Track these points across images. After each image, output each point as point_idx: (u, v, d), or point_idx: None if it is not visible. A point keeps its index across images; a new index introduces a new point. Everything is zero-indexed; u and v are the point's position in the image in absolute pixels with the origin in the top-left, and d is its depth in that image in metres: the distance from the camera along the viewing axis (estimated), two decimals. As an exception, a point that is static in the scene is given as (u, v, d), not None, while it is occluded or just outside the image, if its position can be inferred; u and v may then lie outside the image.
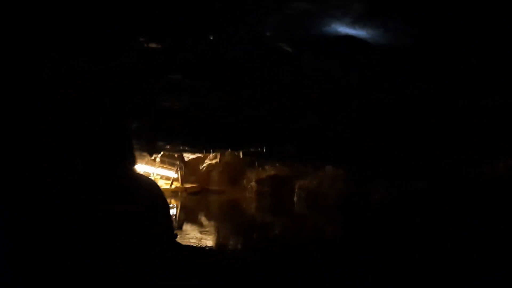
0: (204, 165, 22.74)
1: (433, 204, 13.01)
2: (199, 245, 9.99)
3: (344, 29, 4.37)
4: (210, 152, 20.75)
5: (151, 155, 17.73)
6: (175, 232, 9.17)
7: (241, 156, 18.02)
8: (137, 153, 19.35)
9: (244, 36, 4.67)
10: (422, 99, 6.41)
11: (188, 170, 22.37)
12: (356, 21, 4.16)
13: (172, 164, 22.09)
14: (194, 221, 14.13)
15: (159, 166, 22.10)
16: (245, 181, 20.69)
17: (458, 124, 9.28)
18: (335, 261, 8.37)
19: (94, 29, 4.72)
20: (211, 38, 4.76)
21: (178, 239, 9.80)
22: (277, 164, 18.79)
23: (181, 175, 21.88)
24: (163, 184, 21.50)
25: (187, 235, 11.23)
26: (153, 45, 5.03)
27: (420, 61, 4.85)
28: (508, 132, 9.40)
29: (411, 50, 4.59)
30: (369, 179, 15.08)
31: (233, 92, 7.89)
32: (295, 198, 17.51)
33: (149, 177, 14.87)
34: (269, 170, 19.41)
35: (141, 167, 21.44)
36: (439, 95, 6.36)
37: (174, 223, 12.95)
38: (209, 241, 10.67)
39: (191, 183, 22.09)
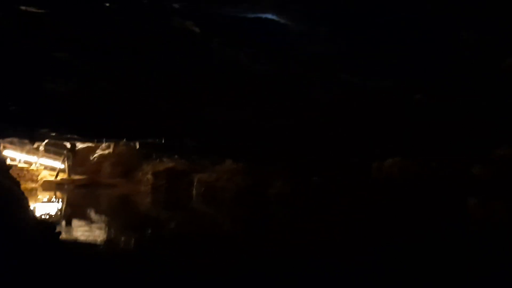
0: (96, 155, 21.24)
1: (327, 197, 13.45)
2: (87, 242, 9.30)
3: (264, 12, 3.94)
4: (102, 142, 19.55)
5: (32, 143, 16.11)
6: (57, 229, 8.29)
7: (137, 147, 17.11)
8: (15, 140, 17.57)
9: (148, 6, 4.01)
10: (329, 94, 6.29)
11: (77, 161, 20.76)
12: (278, 4, 3.74)
13: (58, 154, 20.36)
14: (83, 216, 13.04)
15: (43, 156, 20.27)
16: (140, 174, 19.70)
17: (350, 121, 9.49)
18: (232, 255, 8.20)
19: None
20: (107, 5, 4.01)
21: (64, 236, 9.19)
22: (175, 157, 18.14)
23: (68, 166, 20.21)
24: (47, 175, 19.83)
25: (74, 232, 10.45)
26: (32, 9, 4.11)
27: (335, 50, 4.63)
28: (393, 131, 9.82)
29: (329, 37, 4.34)
30: (267, 174, 15.19)
31: (130, 76, 7.10)
32: (193, 192, 17.05)
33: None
34: (167, 163, 18.68)
35: (20, 156, 19.53)
36: (347, 88, 6.28)
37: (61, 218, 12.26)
38: (99, 238, 10.00)
39: (80, 174, 20.54)
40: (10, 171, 10.29)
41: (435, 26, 4.27)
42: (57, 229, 8.33)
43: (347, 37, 4.36)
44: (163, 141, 14.48)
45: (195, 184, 17.06)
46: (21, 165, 19.51)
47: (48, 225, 7.73)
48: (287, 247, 8.85)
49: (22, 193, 7.95)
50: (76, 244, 8.97)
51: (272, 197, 14.82)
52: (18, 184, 8.80)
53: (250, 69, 5.47)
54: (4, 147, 18.29)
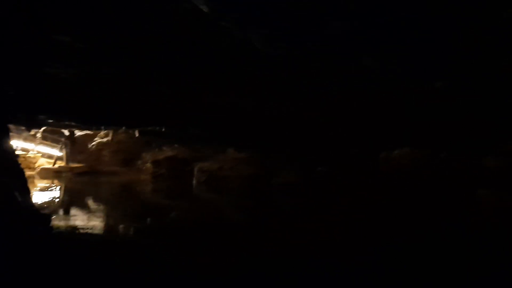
0: (94, 143, 20.91)
1: (334, 187, 13.22)
2: (85, 230, 9.20)
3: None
4: (101, 129, 19.23)
5: (29, 130, 15.78)
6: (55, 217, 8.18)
7: (137, 135, 16.78)
8: (12, 127, 17.26)
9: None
10: (346, 80, 5.96)
11: (76, 149, 20.46)
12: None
13: (56, 141, 20.03)
14: (82, 205, 12.87)
15: (40, 143, 19.93)
16: (140, 162, 19.41)
17: (357, 111, 9.22)
18: (235, 244, 8.05)
19: None
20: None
21: (62, 224, 9.19)
22: (175, 145, 17.81)
23: (66, 154, 19.89)
24: (44, 163, 19.54)
25: (72, 220, 10.33)
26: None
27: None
28: (402, 121, 9.57)
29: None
30: (272, 163, 14.95)
31: (134, 60, 6.76)
32: (194, 181, 16.78)
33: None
34: (167, 151, 18.35)
35: (17, 143, 19.19)
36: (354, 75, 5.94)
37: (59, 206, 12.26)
38: (97, 226, 9.90)
39: (78, 162, 20.23)
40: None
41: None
42: (55, 217, 8.21)
43: (371, 15, 4.01)
44: (163, 129, 14.16)
45: (196, 172, 16.77)
46: (18, 152, 19.19)
47: (44, 215, 7.48)
48: (293, 237, 8.67)
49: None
50: (74, 232, 8.87)
51: (277, 187, 14.58)
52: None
53: (262, 53, 5.12)
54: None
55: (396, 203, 11.59)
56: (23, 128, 17.18)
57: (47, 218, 7.29)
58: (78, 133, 20.57)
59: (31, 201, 7.46)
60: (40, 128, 18.78)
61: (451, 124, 9.44)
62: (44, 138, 19.97)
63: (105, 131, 20.16)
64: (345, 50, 4.76)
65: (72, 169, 19.64)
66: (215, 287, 5.99)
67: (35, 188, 15.04)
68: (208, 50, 5.39)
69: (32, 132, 19.52)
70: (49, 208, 11.55)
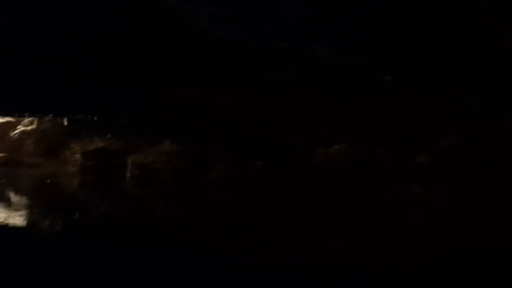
0: (17, 131, 19.40)
1: (271, 183, 13.16)
2: (5, 226, 8.49)
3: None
4: (24, 117, 17.90)
5: None
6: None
7: (65, 124, 15.79)
8: None
9: None
10: (296, 69, 5.77)
11: (-6, 137, 18.93)
12: None
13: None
14: (1, 198, 11.87)
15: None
16: (67, 153, 18.24)
17: (296, 105, 9.20)
18: (167, 239, 7.76)
19: None
20: None
21: None
22: (107, 136, 16.92)
23: (-18, 143, 18.37)
24: (-44, 153, 17.90)
25: None
26: None
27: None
28: (341, 114, 9.65)
29: None
30: (208, 157, 14.65)
31: (61, 34, 6.16)
32: (128, 174, 16.07)
33: None
34: (98, 142, 17.38)
35: None
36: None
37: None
38: (18, 222, 9.14)
39: (-2, 152, 18.72)
40: None
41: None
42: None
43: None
44: (95, 118, 13.41)
45: (129, 166, 16.05)
46: None
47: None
48: (227, 232, 8.49)
49: None
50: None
51: (213, 182, 14.30)
52: None
53: (209, 35, 4.78)
54: None
55: (331, 198, 11.75)
56: None
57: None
58: (-2, 120, 19.04)
59: None
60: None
61: (389, 120, 9.65)
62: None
63: (30, 119, 18.75)
64: (298, 36, 4.55)
65: (-11, 159, 18.13)
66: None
67: None
68: (147, 28, 4.97)
69: None
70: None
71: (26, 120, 18.96)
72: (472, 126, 9.40)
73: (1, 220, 8.95)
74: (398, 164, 10.66)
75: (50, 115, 16.14)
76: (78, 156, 17.55)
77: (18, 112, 15.98)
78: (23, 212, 10.36)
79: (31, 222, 9.41)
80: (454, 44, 5.36)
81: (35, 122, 18.94)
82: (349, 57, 4.84)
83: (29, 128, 19.17)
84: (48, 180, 15.46)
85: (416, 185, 10.07)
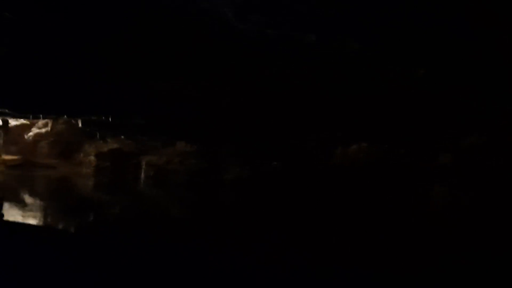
0: (31, 133, 19.48)
1: (287, 183, 12.96)
2: (20, 227, 8.48)
3: None
4: (39, 118, 17.94)
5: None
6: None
7: (80, 125, 15.78)
8: None
9: None
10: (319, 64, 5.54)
11: (9, 139, 19.02)
12: None
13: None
14: (16, 200, 11.78)
15: (-34, 132, 18.42)
16: (82, 155, 18.26)
17: (312, 103, 8.99)
18: (181, 241, 7.62)
19: None
20: None
21: None
22: (121, 137, 16.88)
23: (-1, 145, 18.51)
24: (-29, 155, 18.06)
25: (5, 216, 9.61)
26: None
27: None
28: (360, 114, 9.44)
29: None
30: (223, 157, 14.50)
31: (75, 36, 6.01)
32: (142, 175, 16.02)
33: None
34: (112, 143, 17.36)
35: None
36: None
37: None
38: (33, 222, 9.18)
39: (13, 154, 18.79)
40: None
41: None
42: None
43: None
44: (110, 119, 13.35)
45: (143, 167, 16.00)
46: None
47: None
48: (241, 233, 8.38)
49: None
50: (8, 229, 8.25)
51: (228, 183, 14.15)
52: None
53: (234, 29, 4.54)
54: None
55: (351, 198, 11.53)
56: None
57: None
58: (12, 122, 19.13)
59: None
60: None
61: (409, 120, 9.39)
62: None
63: (44, 121, 18.80)
64: (327, 30, 4.28)
65: (5, 161, 18.17)
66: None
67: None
68: (165, 23, 4.77)
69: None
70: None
71: (40, 122, 19.02)
72: (495, 125, 9.13)
73: (17, 221, 8.98)
74: (420, 164, 10.37)
75: (64, 117, 16.17)
76: (92, 157, 17.55)
77: (33, 114, 16.02)
78: (38, 214, 10.41)
79: (46, 223, 9.41)
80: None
81: (49, 124, 18.99)
82: (376, 52, 4.63)
83: (43, 130, 19.22)
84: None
85: (439, 185, 9.80)
